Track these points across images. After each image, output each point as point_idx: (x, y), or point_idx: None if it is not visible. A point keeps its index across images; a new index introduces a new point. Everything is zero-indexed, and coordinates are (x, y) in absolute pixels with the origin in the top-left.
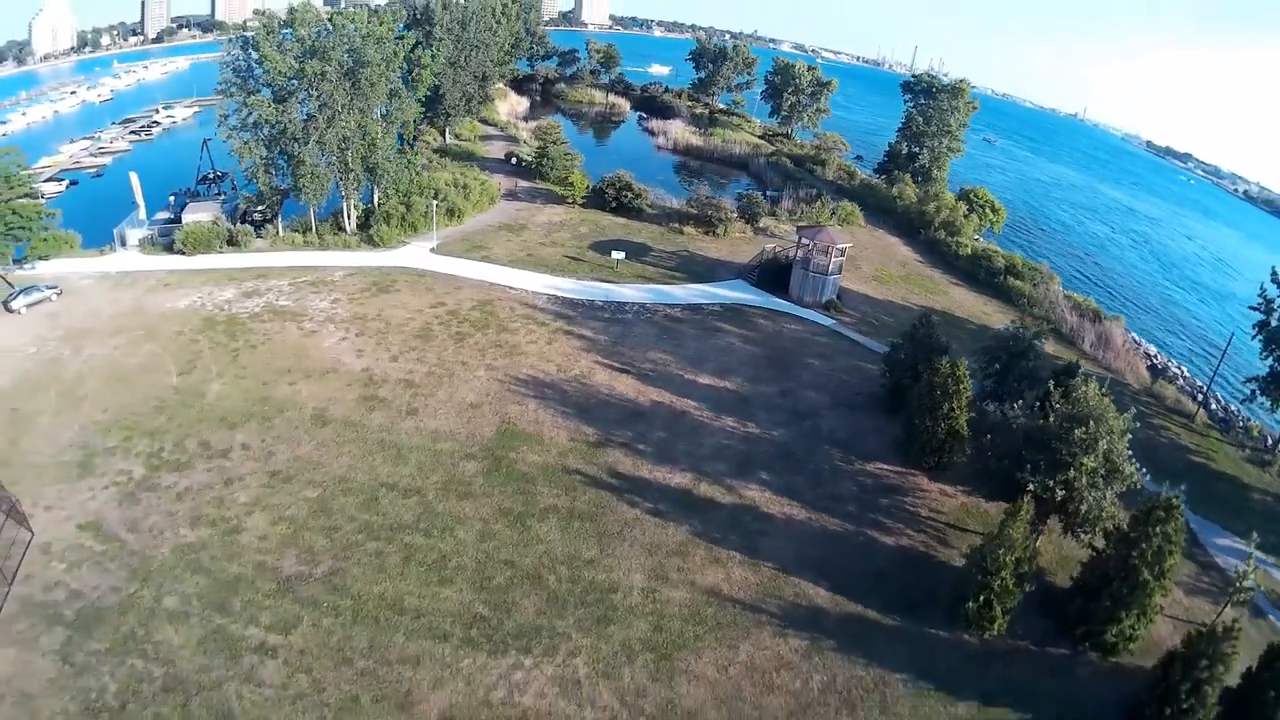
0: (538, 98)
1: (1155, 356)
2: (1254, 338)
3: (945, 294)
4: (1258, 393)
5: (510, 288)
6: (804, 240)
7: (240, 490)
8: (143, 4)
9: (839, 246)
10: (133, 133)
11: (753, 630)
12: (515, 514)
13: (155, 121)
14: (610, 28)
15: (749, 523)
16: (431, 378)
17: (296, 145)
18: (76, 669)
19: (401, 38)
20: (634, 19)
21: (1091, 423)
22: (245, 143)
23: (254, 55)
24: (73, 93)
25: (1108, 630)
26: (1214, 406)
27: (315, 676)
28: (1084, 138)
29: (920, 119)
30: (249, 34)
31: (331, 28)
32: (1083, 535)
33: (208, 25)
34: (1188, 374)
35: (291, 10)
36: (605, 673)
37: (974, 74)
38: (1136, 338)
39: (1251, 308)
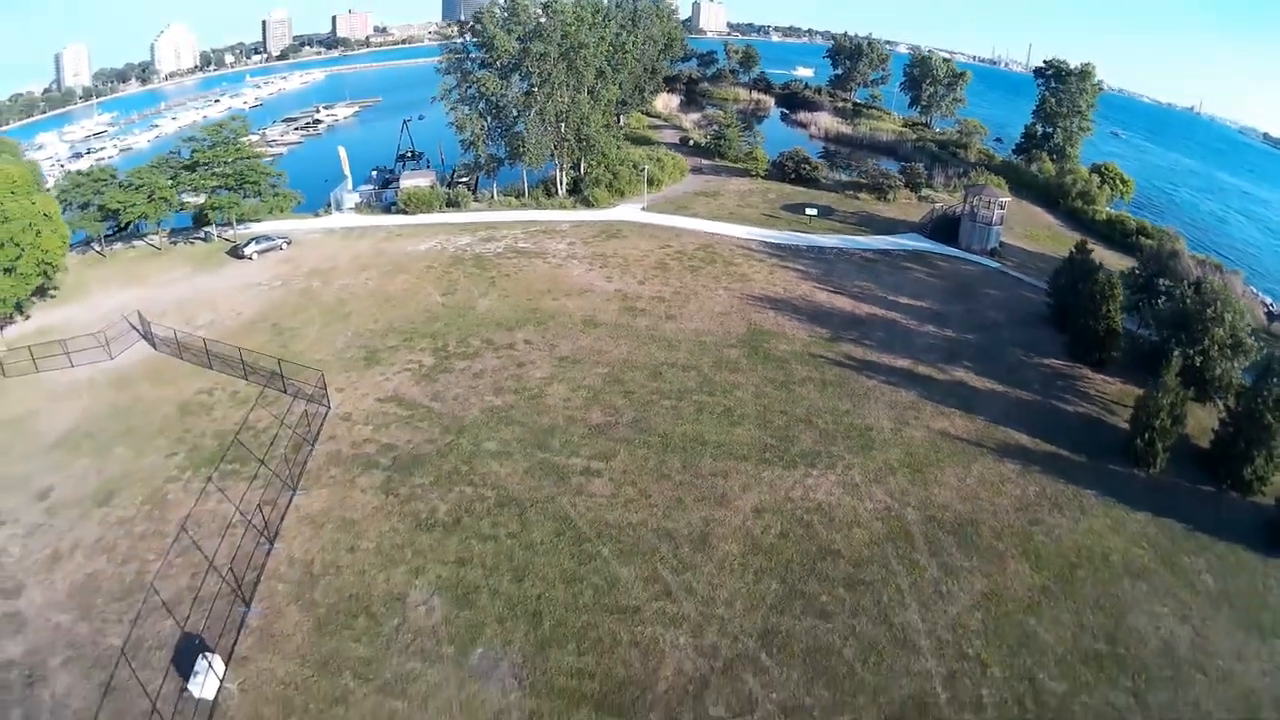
0: (684, 96)
1: (1271, 305)
2: None
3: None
4: None
5: (723, 235)
6: (970, 196)
7: (534, 370)
8: (264, 24)
9: (1000, 200)
10: (299, 129)
11: (978, 457)
12: (779, 381)
13: (318, 119)
14: (728, 34)
15: (961, 391)
16: (679, 296)
17: (516, 115)
18: (401, 499)
19: (606, 25)
20: (751, 25)
21: (1218, 303)
22: (466, 114)
23: (473, 40)
24: (217, 100)
25: (1243, 470)
26: None
27: (640, 487)
28: (1201, 130)
29: (1053, 100)
30: (474, 20)
31: (551, 13)
32: (1218, 399)
33: (330, 42)
34: None
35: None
36: (875, 480)
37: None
38: (1255, 290)
39: None
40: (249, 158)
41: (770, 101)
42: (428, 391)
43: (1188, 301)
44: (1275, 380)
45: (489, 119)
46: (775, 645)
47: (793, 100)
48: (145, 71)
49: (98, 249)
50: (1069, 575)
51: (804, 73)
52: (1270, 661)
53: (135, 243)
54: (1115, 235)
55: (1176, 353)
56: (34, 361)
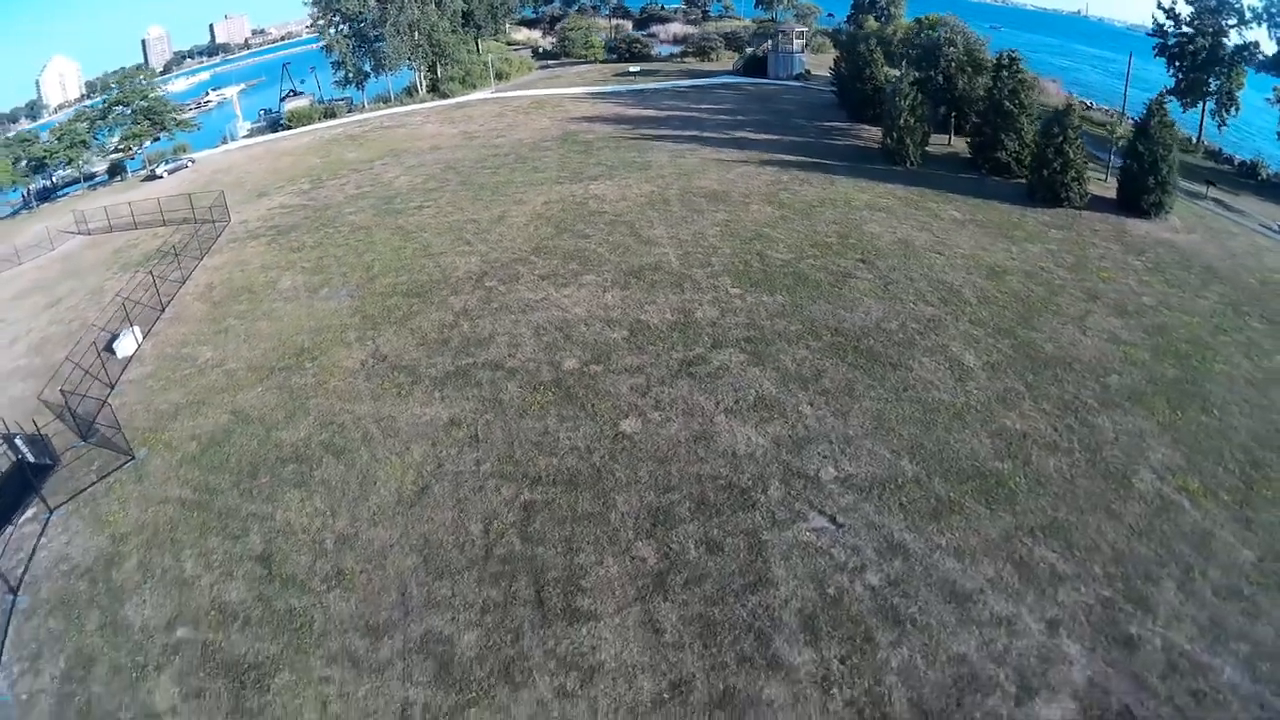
0: (545, 29)
1: (1090, 104)
2: (1156, 56)
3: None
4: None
5: (557, 94)
6: (774, 31)
7: (386, 174)
8: (144, 43)
9: (799, 30)
10: (191, 109)
11: (742, 167)
12: (580, 151)
13: (208, 100)
14: None
15: (741, 143)
16: (510, 126)
17: (376, 33)
18: (280, 245)
19: None
20: None
21: (957, 37)
22: (333, 36)
23: None
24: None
25: (994, 153)
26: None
27: (457, 206)
28: (1082, 26)
29: None
30: None
31: None
32: (968, 110)
33: (210, 50)
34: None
35: None
36: (645, 182)
37: None
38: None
39: (1149, 33)
40: (154, 97)
41: (629, 25)
42: (305, 199)
43: (931, 36)
44: (1005, 74)
45: (354, 39)
46: (544, 251)
47: (648, 22)
48: (34, 108)
49: (30, 206)
50: (808, 210)
51: None
52: (1019, 254)
53: (62, 194)
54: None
55: (916, 74)
56: None
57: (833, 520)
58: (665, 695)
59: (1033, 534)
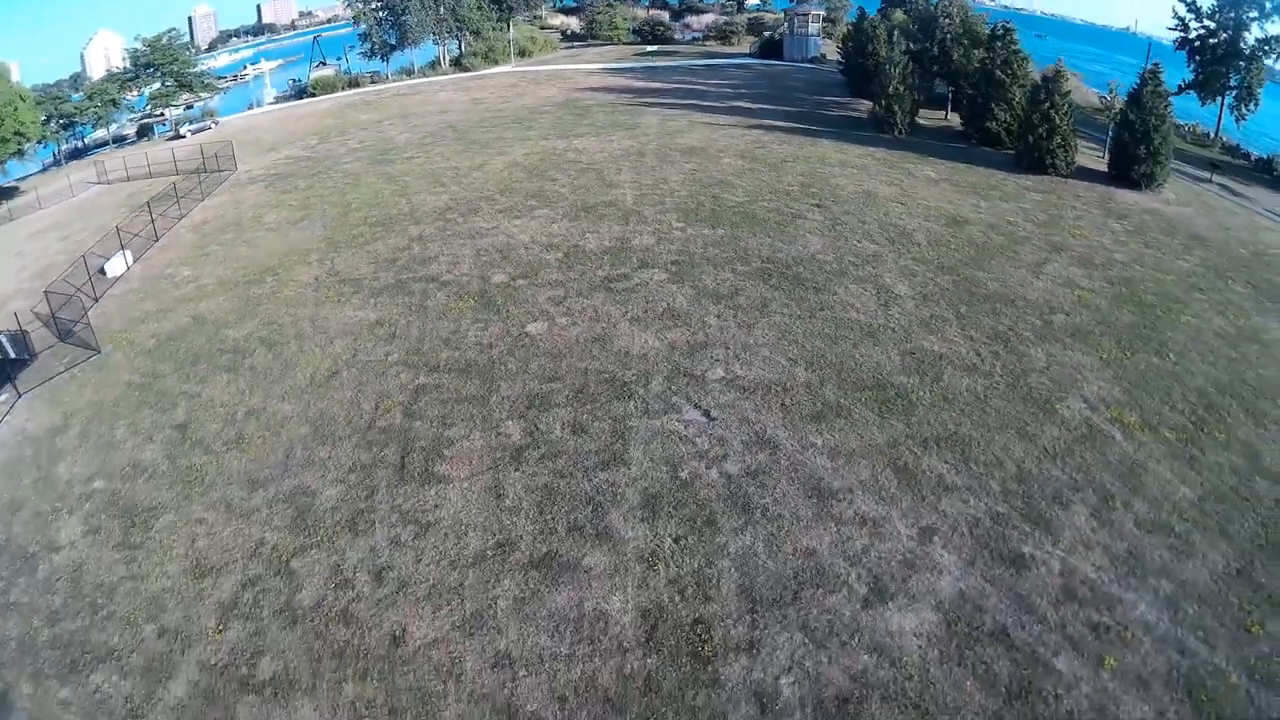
0: (581, 17)
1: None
2: (1176, 50)
3: None
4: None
5: (573, 68)
6: (790, 14)
7: (389, 132)
8: (190, 20)
9: (816, 12)
10: (228, 82)
11: (727, 129)
12: (576, 114)
13: (246, 74)
14: None
15: (736, 111)
16: (519, 94)
17: (403, 3)
18: (275, 189)
19: None
20: None
21: (954, 9)
22: (361, 9)
23: None
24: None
25: (985, 123)
26: None
27: (445, 158)
28: (1131, 42)
29: None
30: None
31: None
32: (964, 84)
33: (256, 30)
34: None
35: None
36: (627, 139)
37: None
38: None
39: (1169, 28)
40: (182, 60)
41: (666, 15)
42: (309, 153)
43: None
44: (999, 45)
45: (382, 11)
46: (509, 192)
47: (684, 13)
48: (77, 81)
49: (60, 164)
50: (778, 165)
51: None
52: (988, 209)
53: (92, 154)
54: None
55: (912, 46)
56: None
57: (706, 414)
58: (488, 553)
59: (925, 444)
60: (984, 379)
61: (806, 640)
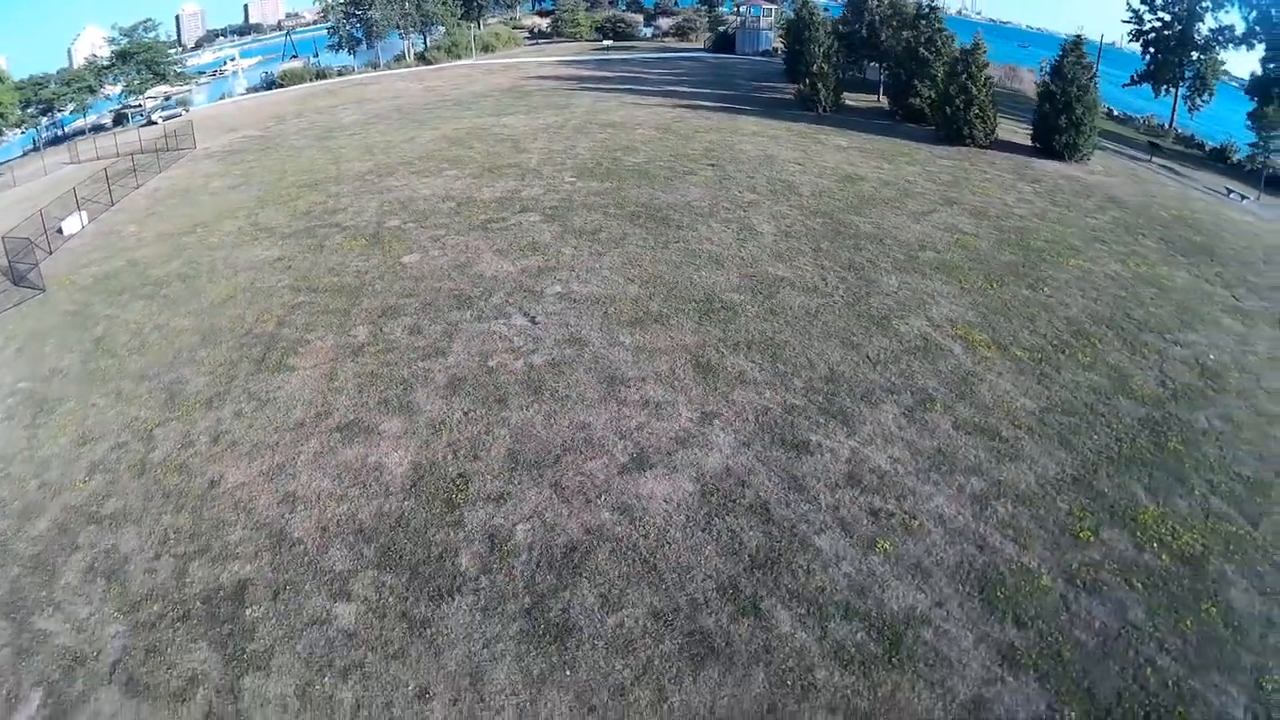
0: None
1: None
2: (1130, 42)
3: None
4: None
5: (529, 61)
6: (742, 7)
7: (341, 114)
8: (177, 18)
9: (767, 6)
10: (208, 76)
11: (656, 109)
12: (516, 97)
13: (225, 69)
14: None
15: (671, 95)
16: (470, 82)
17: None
18: (227, 162)
19: None
20: None
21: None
22: (329, 5)
23: None
24: None
25: (909, 99)
26: None
27: (383, 133)
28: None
29: None
30: None
31: None
32: (890, 63)
33: (243, 29)
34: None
35: None
36: (554, 117)
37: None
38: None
39: (1124, 21)
40: (156, 49)
41: (640, 19)
42: (264, 132)
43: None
44: (925, 21)
45: (348, 5)
46: (428, 158)
47: (657, 16)
48: (63, 75)
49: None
50: (690, 135)
51: None
52: (890, 171)
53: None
54: None
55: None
56: None
57: (531, 320)
58: (307, 421)
59: (735, 346)
60: (821, 298)
61: (554, 497)
